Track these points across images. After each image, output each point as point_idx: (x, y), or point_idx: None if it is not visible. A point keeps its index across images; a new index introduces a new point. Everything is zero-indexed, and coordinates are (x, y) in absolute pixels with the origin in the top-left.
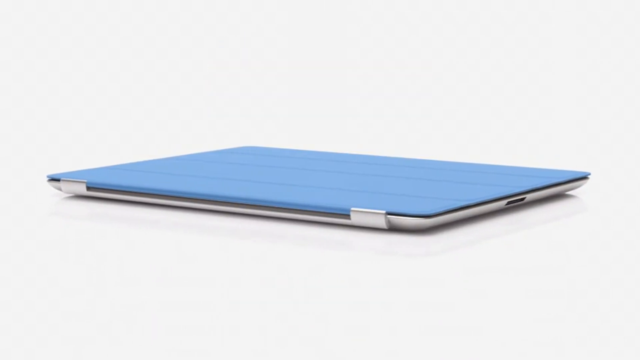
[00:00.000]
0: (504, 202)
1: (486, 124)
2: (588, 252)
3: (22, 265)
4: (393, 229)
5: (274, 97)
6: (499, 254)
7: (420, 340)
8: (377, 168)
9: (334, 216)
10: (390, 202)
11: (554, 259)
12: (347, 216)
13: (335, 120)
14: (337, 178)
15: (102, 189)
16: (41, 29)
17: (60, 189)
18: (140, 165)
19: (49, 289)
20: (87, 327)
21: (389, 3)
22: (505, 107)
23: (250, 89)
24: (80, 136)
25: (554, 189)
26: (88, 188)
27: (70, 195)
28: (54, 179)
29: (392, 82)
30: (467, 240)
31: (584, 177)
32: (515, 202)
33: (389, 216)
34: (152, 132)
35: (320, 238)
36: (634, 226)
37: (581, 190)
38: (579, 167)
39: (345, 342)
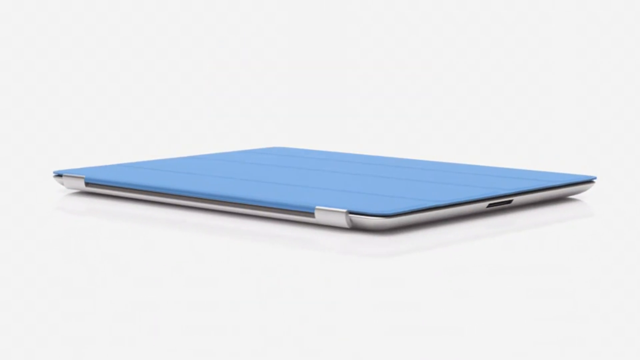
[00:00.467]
0: (485, 204)
1: (495, 127)
2: (563, 257)
3: (21, 263)
4: (356, 228)
5: (334, 99)
6: (465, 255)
7: (379, 340)
8: (372, 168)
9: (299, 214)
10: (356, 201)
11: (527, 261)
12: (313, 214)
13: (383, 121)
14: (331, 178)
15: (99, 184)
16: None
17: (63, 184)
18: (145, 164)
19: (48, 288)
20: (84, 325)
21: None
22: (514, 111)
23: (310, 91)
24: (122, 136)
25: (551, 192)
26: (86, 184)
27: (78, 190)
28: (59, 175)
29: (422, 81)
30: (438, 241)
31: (588, 181)
32: (500, 205)
33: (350, 215)
34: (204, 131)
35: (286, 236)
36: (628, 231)
37: (585, 195)
38: (591, 172)
39: (306, 341)
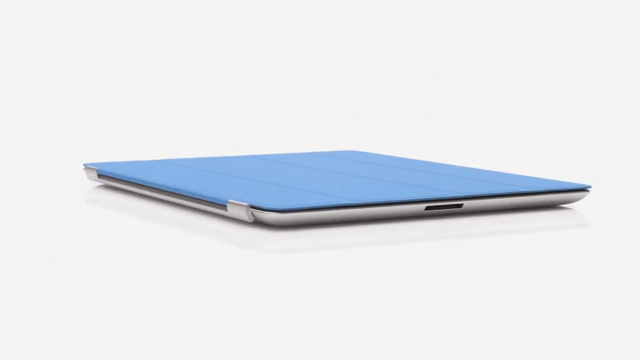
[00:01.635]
0: (422, 206)
1: (496, 132)
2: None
3: (22, 263)
4: (258, 222)
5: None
6: (363, 257)
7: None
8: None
9: (213, 206)
10: (268, 195)
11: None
12: (225, 207)
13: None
14: (319, 175)
15: (109, 177)
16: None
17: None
18: (156, 162)
19: (49, 288)
20: (73, 326)
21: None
22: (519, 116)
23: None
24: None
25: (522, 198)
26: (99, 175)
27: (101, 183)
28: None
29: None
30: (340, 242)
31: (578, 190)
32: (445, 209)
33: (251, 209)
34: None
35: (204, 227)
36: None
37: (581, 204)
38: (598, 182)
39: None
